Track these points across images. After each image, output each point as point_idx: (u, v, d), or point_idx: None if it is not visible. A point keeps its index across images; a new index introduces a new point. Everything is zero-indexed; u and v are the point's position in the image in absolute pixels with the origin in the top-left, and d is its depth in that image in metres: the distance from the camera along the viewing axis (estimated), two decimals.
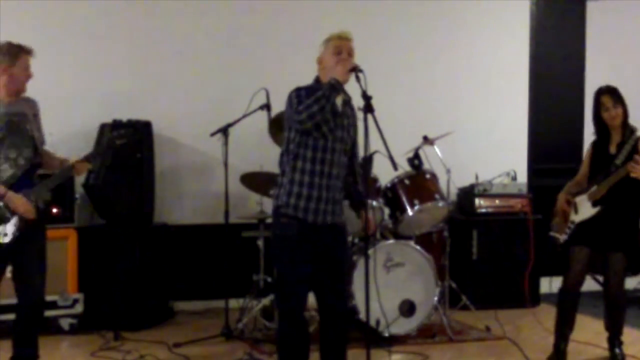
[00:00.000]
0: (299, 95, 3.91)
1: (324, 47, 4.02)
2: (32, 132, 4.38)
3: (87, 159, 4.48)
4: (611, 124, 4.82)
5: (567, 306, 4.91)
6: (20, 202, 4.21)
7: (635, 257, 4.89)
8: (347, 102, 4.07)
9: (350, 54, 3.96)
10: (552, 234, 5.03)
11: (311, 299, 4.17)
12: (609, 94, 4.80)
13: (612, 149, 4.83)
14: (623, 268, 4.84)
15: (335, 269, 4.04)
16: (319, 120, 3.83)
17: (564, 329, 4.92)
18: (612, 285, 4.85)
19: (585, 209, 4.84)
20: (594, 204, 4.79)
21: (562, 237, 4.95)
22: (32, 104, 4.48)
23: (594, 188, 4.80)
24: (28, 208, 4.23)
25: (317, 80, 4.04)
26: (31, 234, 4.34)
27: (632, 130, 4.80)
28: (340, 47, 3.95)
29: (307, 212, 3.92)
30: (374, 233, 4.28)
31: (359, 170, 4.19)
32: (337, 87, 3.81)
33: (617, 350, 4.94)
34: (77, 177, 5.69)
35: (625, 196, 4.75)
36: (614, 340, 4.97)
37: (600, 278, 5.41)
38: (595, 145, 4.96)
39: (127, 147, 4.83)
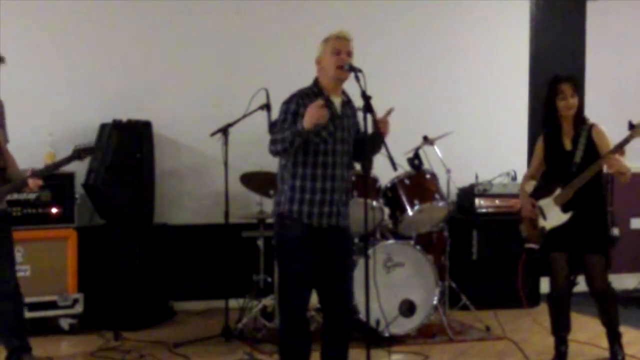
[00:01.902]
0: (286, 111, 3.89)
1: (322, 47, 3.96)
2: None
3: (40, 174, 4.44)
4: (565, 114, 4.69)
5: (559, 311, 4.88)
6: None
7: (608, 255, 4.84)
8: (347, 102, 4.06)
9: (348, 53, 3.93)
10: (527, 246, 4.93)
11: (312, 299, 4.16)
12: (570, 83, 4.68)
13: (567, 144, 4.72)
14: (604, 267, 4.77)
15: (339, 270, 4.02)
16: (290, 150, 3.82)
17: (560, 332, 4.90)
18: (597, 285, 4.78)
19: (554, 215, 4.74)
20: (564, 209, 4.70)
21: (536, 247, 4.86)
22: None
23: (558, 191, 4.70)
24: None
25: (316, 81, 4.01)
26: None
27: (584, 121, 4.71)
28: (339, 47, 3.91)
29: (311, 217, 3.90)
30: (383, 132, 3.97)
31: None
32: (302, 134, 3.75)
33: (618, 355, 4.90)
34: (75, 178, 5.75)
35: (590, 197, 4.67)
36: (614, 335, 4.90)
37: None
38: (546, 137, 4.83)
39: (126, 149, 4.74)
